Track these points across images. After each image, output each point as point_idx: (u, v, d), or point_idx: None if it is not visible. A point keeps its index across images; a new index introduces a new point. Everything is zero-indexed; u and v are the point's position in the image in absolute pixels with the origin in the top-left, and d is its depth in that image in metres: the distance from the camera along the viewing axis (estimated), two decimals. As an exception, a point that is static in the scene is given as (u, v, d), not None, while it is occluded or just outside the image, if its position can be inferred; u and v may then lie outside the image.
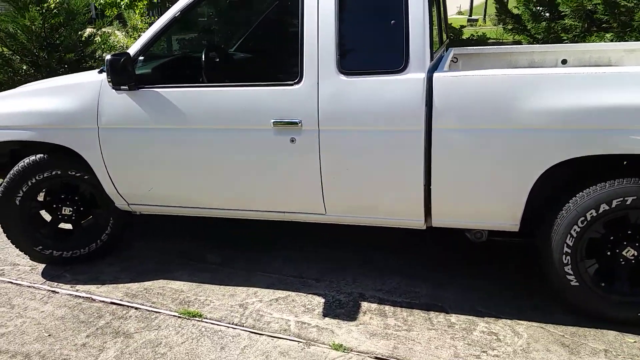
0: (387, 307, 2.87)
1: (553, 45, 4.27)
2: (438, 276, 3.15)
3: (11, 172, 3.32)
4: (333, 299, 2.97)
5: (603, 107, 2.38)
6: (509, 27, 7.28)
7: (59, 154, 3.30)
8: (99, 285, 3.19)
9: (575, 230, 2.54)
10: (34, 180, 3.30)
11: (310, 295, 3.01)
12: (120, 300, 3.02)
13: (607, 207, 2.47)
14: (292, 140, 2.81)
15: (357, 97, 2.69)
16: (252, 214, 3.14)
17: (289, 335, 2.66)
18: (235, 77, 2.91)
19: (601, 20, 5.67)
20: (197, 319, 2.82)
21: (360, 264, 3.33)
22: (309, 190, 2.91)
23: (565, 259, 2.58)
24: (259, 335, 2.66)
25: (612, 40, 5.40)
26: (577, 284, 2.60)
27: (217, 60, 3.13)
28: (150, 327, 2.75)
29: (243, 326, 2.74)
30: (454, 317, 2.76)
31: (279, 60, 2.95)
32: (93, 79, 3.17)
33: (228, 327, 2.74)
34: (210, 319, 2.82)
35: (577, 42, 5.78)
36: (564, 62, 3.87)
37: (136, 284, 3.21)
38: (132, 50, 3.02)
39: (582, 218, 2.51)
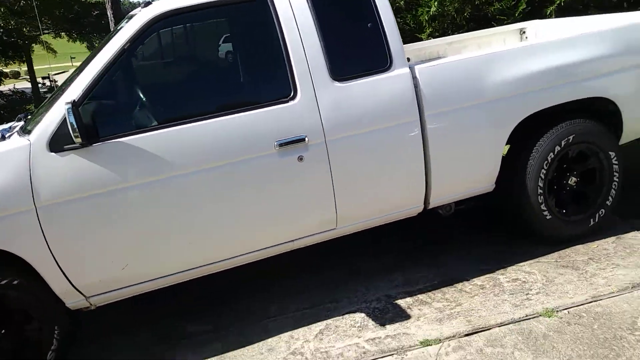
0: (420, 296, 2.95)
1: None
2: (429, 257, 3.36)
3: None
4: (371, 309, 2.89)
5: (535, 71, 2.99)
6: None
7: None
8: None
9: (542, 172, 3.10)
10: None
11: (347, 316, 2.85)
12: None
13: (559, 148, 3.10)
14: (300, 159, 2.66)
15: (356, 101, 2.72)
16: (258, 254, 2.80)
17: (378, 354, 2.50)
18: (221, 105, 2.57)
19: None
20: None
21: (354, 274, 3.28)
22: (322, 206, 2.78)
23: (540, 198, 3.13)
24: (348, 368, 2.43)
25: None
26: (550, 217, 3.18)
27: (193, 89, 2.68)
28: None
29: (321, 369, 2.45)
30: (477, 281, 3.02)
31: (266, 79, 2.72)
32: (12, 146, 2.36)
33: (308, 376, 2.42)
34: (277, 380, 2.43)
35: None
36: (408, 59, 4.55)
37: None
38: (73, 95, 2.37)
39: (546, 161, 3.09)
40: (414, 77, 2.81)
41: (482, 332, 2.56)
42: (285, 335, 2.76)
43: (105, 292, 2.60)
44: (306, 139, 2.64)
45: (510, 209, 3.28)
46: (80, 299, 2.56)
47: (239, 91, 2.69)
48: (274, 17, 2.63)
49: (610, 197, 3.27)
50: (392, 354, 2.49)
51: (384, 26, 2.78)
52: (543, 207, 3.15)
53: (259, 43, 2.68)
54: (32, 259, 2.39)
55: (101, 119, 2.41)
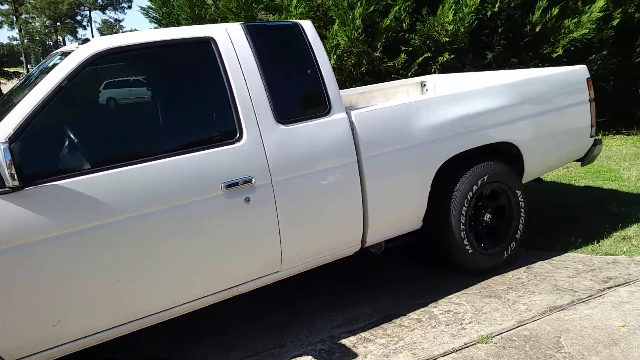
0: (363, 334, 3.00)
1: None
2: (363, 294, 3.44)
3: None
4: (317, 351, 2.87)
5: (453, 118, 3.30)
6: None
7: None
8: None
9: (464, 210, 3.38)
10: None
11: (294, 360, 2.81)
12: None
13: (476, 187, 3.41)
14: (247, 200, 2.64)
15: (299, 143, 2.80)
16: (201, 302, 2.68)
17: (332, 394, 2.48)
18: (166, 146, 2.49)
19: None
20: None
21: (294, 317, 3.25)
22: (268, 248, 2.77)
23: (463, 234, 3.39)
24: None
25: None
26: (471, 250, 3.44)
27: (135, 129, 2.53)
28: None
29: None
30: (413, 315, 3.15)
31: (211, 120, 2.66)
32: None
33: None
34: None
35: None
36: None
37: None
38: (4, 133, 2.17)
39: (466, 199, 3.38)
40: (351, 122, 2.96)
41: (429, 363, 2.66)
42: (232, 386, 2.64)
43: (31, 355, 2.31)
44: (253, 180, 2.64)
45: (436, 244, 3.50)
46: (-2, 365, 2.25)
47: (184, 132, 2.63)
48: (218, 59, 2.65)
49: (518, 231, 3.64)
50: (348, 393, 2.48)
51: (323, 74, 2.92)
52: (465, 242, 3.40)
53: (203, 84, 2.66)
54: (-55, 321, 2.07)
55: (34, 160, 2.22)
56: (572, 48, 7.48)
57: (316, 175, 2.85)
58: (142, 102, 2.62)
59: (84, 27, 49.46)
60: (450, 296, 3.32)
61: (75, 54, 2.38)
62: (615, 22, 7.65)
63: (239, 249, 2.68)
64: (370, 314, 3.21)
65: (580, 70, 3.86)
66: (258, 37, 2.80)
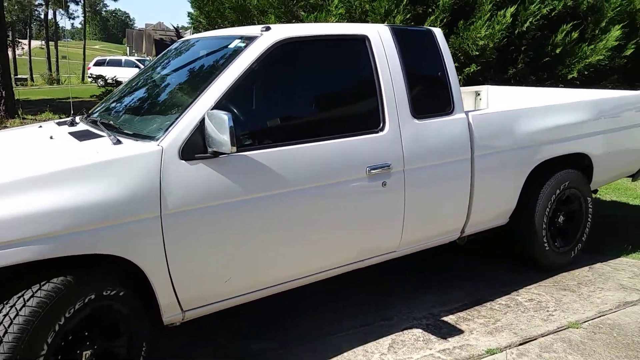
0: (460, 314, 3.32)
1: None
2: (447, 281, 3.76)
3: (18, 317, 1.97)
4: (424, 325, 3.17)
5: (550, 127, 3.66)
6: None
7: (86, 270, 2.21)
8: None
9: (547, 211, 3.73)
10: (62, 320, 2.07)
11: (406, 332, 3.10)
12: None
13: (559, 190, 3.77)
14: (384, 184, 2.93)
15: (428, 137, 3.10)
16: (332, 272, 2.97)
17: (457, 361, 2.80)
18: (327, 130, 2.76)
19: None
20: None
21: (390, 296, 3.54)
22: (393, 230, 3.06)
23: (544, 232, 3.75)
24: (439, 374, 2.69)
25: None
26: (548, 248, 3.80)
27: (304, 112, 2.79)
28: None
29: (413, 376, 2.67)
30: (501, 300, 3.49)
31: (361, 110, 2.93)
32: (143, 150, 2.31)
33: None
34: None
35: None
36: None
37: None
38: (210, 102, 2.43)
39: (550, 201, 3.73)
40: (469, 122, 3.28)
41: (532, 342, 2.99)
42: (359, 350, 2.92)
43: (201, 306, 2.55)
44: (391, 166, 2.93)
45: (519, 239, 3.83)
46: (177, 312, 2.49)
47: (340, 119, 2.91)
48: (370, 55, 2.94)
49: (584, 234, 4.02)
50: (470, 361, 2.80)
51: (449, 76, 3.23)
52: (544, 239, 3.76)
53: (357, 77, 2.95)
54: (148, 269, 2.30)
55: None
56: (586, 72, 7.97)
57: (438, 167, 3.15)
58: (307, 88, 2.88)
59: (77, 3, 48.60)
60: (528, 287, 3.67)
61: (262, 39, 2.64)
62: (628, 52, 8.19)
63: (371, 227, 2.97)
64: (461, 297, 3.53)
65: (648, 94, 4.27)
66: (402, 39, 3.09)
